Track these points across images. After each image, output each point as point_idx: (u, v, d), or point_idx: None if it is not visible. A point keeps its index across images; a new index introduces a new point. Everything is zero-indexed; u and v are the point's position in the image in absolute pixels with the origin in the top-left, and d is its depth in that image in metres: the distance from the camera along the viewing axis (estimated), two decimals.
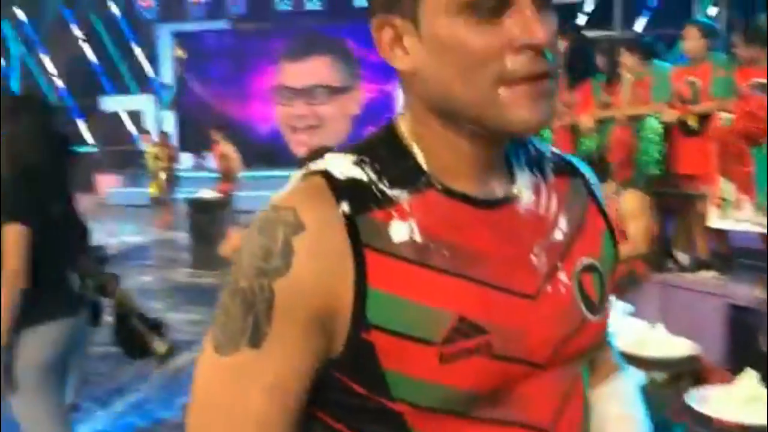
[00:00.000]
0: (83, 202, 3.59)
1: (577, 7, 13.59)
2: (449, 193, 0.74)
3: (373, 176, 0.73)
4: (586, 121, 5.29)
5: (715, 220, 4.73)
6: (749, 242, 5.06)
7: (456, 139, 0.73)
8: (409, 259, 0.70)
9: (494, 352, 0.70)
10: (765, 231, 4.47)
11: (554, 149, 0.88)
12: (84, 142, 15.92)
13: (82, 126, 16.85)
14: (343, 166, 0.73)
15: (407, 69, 0.72)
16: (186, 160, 14.86)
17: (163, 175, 11.41)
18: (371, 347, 0.68)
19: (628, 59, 5.02)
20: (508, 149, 0.79)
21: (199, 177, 12.65)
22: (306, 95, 15.04)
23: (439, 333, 0.68)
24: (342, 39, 15.04)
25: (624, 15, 11.22)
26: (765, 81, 4.35)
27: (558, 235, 0.79)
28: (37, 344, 2.50)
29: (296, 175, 0.76)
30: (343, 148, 0.77)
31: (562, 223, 0.80)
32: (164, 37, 16.79)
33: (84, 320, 2.72)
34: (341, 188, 0.71)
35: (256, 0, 15.74)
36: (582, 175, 0.87)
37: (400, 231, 0.70)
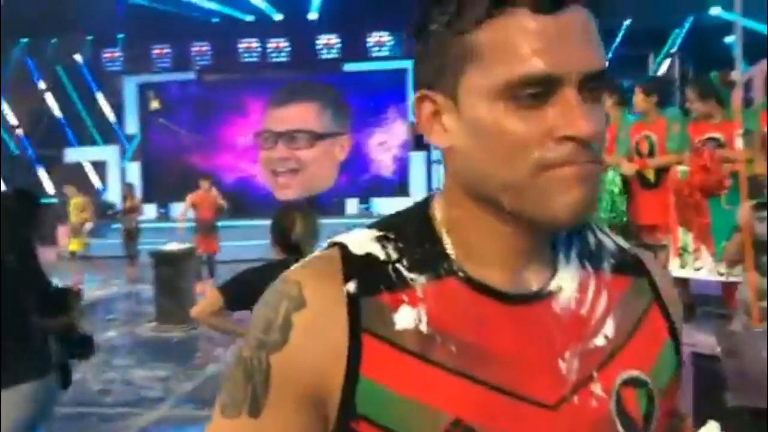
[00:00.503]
0: (45, 255, 3.54)
1: None
2: (472, 282, 0.68)
3: (394, 255, 0.69)
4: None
5: (675, 269, 4.86)
6: (709, 290, 5.21)
7: (492, 223, 0.68)
8: (410, 350, 0.65)
9: None
10: (724, 279, 4.60)
11: (623, 242, 0.79)
12: (46, 194, 15.68)
13: (44, 177, 16.64)
14: (363, 240, 0.71)
15: (444, 145, 0.69)
16: (150, 210, 14.75)
17: (87, 227, 11.34)
18: None
19: (607, 100, 5.16)
20: (558, 238, 0.73)
21: (162, 228, 12.54)
22: (287, 139, 15.24)
23: None
24: (332, 87, 15.37)
25: None
26: (717, 135, 4.54)
27: (600, 341, 0.71)
28: (5, 409, 2.45)
29: (316, 253, 0.74)
30: (377, 221, 0.74)
31: (609, 327, 0.72)
32: (130, 88, 16.81)
33: (53, 382, 2.67)
34: (354, 265, 0.68)
35: (221, 51, 15.92)
36: (649, 274, 0.77)
37: (406, 318, 0.66)
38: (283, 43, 15.76)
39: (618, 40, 13.67)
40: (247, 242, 10.89)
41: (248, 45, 15.69)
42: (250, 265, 2.92)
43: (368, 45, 15.79)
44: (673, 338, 0.76)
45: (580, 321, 0.71)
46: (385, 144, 16.12)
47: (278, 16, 15.61)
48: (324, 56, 15.62)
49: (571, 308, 0.71)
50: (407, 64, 15.97)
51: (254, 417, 0.68)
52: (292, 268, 0.72)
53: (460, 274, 0.69)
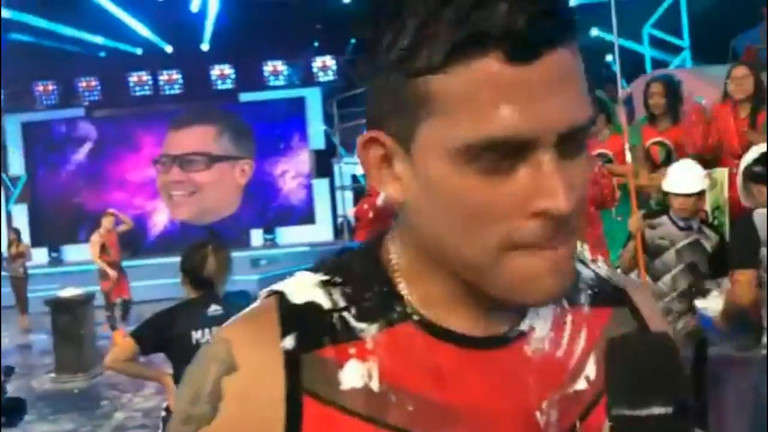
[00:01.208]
0: None
1: None
2: (430, 327, 0.60)
3: (340, 302, 0.61)
4: None
5: None
6: None
7: (452, 278, 0.59)
8: (358, 413, 0.57)
9: None
10: None
11: (605, 270, 0.70)
12: None
13: None
14: (305, 287, 0.62)
15: (397, 198, 0.58)
16: (40, 255, 13.96)
17: None
18: None
19: None
20: None
21: (54, 273, 11.89)
22: (183, 162, 14.95)
23: None
24: (235, 112, 15.19)
25: None
26: (605, 151, 4.80)
27: (581, 385, 0.62)
28: None
29: (261, 293, 0.65)
30: (321, 263, 0.65)
31: (590, 368, 0.63)
32: (12, 127, 15.95)
33: None
34: (292, 317, 0.60)
35: (111, 86, 15.40)
36: (631, 302, 0.68)
37: (354, 375, 0.58)
38: (175, 75, 15.42)
39: None
40: (150, 282, 10.51)
41: (139, 78, 15.24)
42: (155, 305, 2.85)
43: (264, 74, 15.71)
44: None
45: (557, 364, 0.62)
46: (288, 173, 16.04)
47: (169, 48, 15.31)
48: (219, 87, 15.40)
49: (546, 350, 0.62)
50: (305, 93, 16.02)
51: None
52: (223, 325, 0.64)
53: (415, 317, 0.60)
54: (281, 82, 15.92)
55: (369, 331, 0.60)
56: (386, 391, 0.58)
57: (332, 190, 15.89)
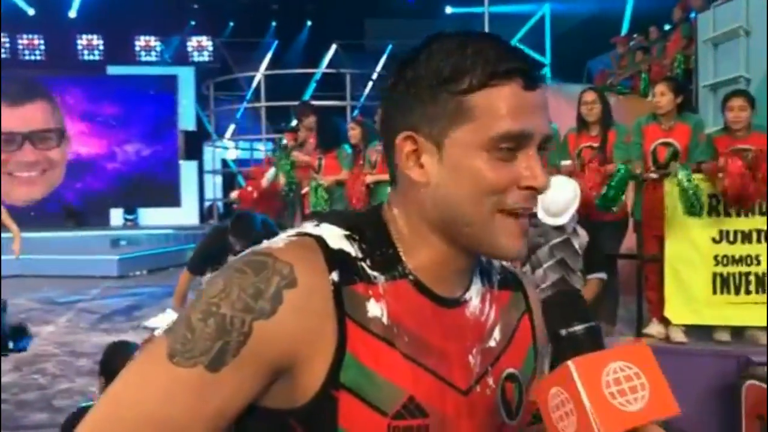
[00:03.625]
0: None
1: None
2: (418, 286, 0.82)
3: (359, 254, 0.80)
4: (330, 181, 5.90)
5: None
6: None
7: (440, 245, 0.82)
8: (379, 335, 0.77)
9: None
10: None
11: (505, 263, 0.96)
12: None
13: None
14: (337, 237, 0.80)
15: (420, 181, 0.79)
16: None
17: None
18: (335, 404, 0.75)
19: None
20: (475, 262, 0.87)
21: None
22: (36, 139, 13.89)
23: (392, 407, 0.76)
24: (46, 86, 14.23)
25: (352, 85, 12.31)
26: None
27: (492, 342, 0.87)
28: None
29: (290, 231, 0.82)
30: (333, 219, 0.83)
31: (497, 332, 0.88)
32: None
33: None
34: (333, 257, 0.78)
35: None
36: (524, 291, 0.96)
37: (374, 309, 0.78)
38: (36, 40, 14.55)
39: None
40: None
41: None
42: None
43: (135, 48, 15.16)
44: (534, 344, 0.94)
45: (481, 325, 0.87)
46: (154, 152, 15.53)
47: (31, 11, 14.38)
48: (86, 57, 14.71)
49: (476, 314, 0.87)
50: (178, 71, 15.56)
51: (212, 372, 0.71)
52: (273, 246, 0.78)
53: (411, 277, 0.82)
54: (153, 58, 15.44)
55: (379, 279, 0.80)
56: (392, 324, 0.79)
57: (200, 173, 15.57)
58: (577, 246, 3.62)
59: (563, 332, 0.60)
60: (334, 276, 0.77)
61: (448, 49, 0.78)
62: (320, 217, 0.85)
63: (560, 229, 3.62)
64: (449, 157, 0.78)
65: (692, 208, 3.88)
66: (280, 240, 0.79)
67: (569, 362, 0.65)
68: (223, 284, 0.74)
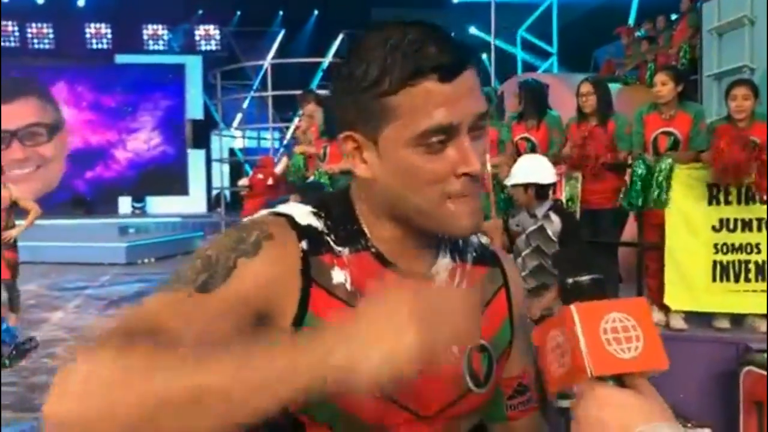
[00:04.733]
0: None
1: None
2: (380, 258, 0.88)
3: (325, 229, 0.88)
4: (335, 169, 5.95)
5: None
6: None
7: (398, 226, 0.88)
8: (342, 299, 0.85)
9: (389, 395, 0.84)
10: None
11: (485, 240, 1.02)
12: None
13: None
14: (303, 214, 0.88)
15: (366, 176, 0.85)
16: None
17: None
18: None
19: None
20: (441, 239, 0.93)
21: None
22: (24, 135, 13.80)
23: None
24: (39, 80, 14.21)
25: None
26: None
27: None
28: None
29: (262, 212, 0.89)
30: (303, 199, 0.91)
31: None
32: None
33: None
34: (301, 231, 0.86)
35: None
36: (501, 266, 1.01)
37: (338, 276, 0.86)
38: (45, 29, 14.62)
39: None
40: None
41: (4, 28, 14.30)
42: None
43: (143, 37, 15.21)
44: (510, 318, 0.98)
45: None
46: (162, 141, 15.61)
47: (41, 0, 14.44)
48: (94, 46, 14.76)
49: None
50: (186, 60, 15.61)
51: (202, 292, 0.78)
52: (249, 218, 0.88)
53: (373, 249, 0.89)
54: (161, 47, 15.48)
55: (344, 252, 0.88)
56: (354, 290, 0.86)
57: (208, 161, 15.64)
58: (550, 232, 3.64)
59: (569, 281, 0.62)
60: (304, 245, 0.85)
61: (372, 47, 0.81)
62: (298, 190, 0.91)
63: (534, 216, 3.67)
64: (385, 153, 0.83)
65: (658, 199, 3.96)
66: (255, 215, 0.88)
67: (571, 306, 0.69)
68: (210, 242, 0.84)
